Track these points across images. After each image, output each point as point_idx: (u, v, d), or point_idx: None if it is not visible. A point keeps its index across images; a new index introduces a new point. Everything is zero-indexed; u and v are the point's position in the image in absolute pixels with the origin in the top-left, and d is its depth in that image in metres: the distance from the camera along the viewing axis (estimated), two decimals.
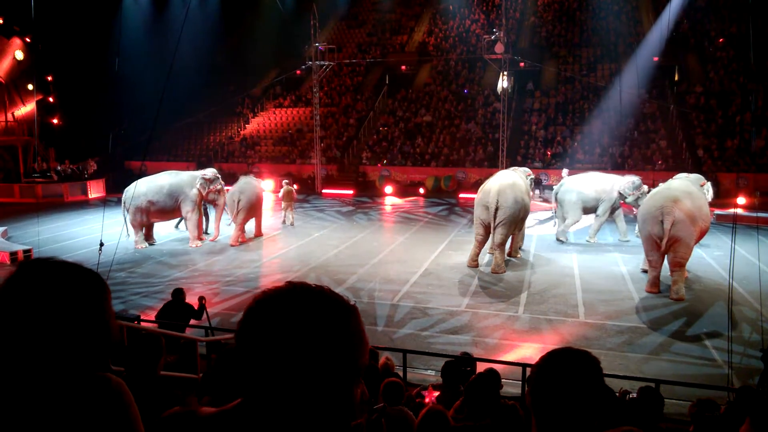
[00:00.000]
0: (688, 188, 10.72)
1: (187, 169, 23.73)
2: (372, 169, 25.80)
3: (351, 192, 23.91)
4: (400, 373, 6.36)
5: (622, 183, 13.82)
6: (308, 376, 0.92)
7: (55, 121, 27.28)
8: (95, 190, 23.93)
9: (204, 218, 15.30)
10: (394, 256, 13.34)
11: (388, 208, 20.81)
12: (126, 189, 14.11)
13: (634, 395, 5.06)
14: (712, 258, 12.80)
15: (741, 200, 18.12)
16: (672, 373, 7.21)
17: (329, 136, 27.72)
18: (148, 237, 14.54)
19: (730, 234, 10.82)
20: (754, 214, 15.18)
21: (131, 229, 13.96)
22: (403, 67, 31.50)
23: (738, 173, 20.60)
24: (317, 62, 24.67)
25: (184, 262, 13.04)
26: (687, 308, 9.73)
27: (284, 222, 16.91)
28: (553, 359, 1.44)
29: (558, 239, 14.57)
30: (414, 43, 32.87)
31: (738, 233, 11.86)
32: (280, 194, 17.13)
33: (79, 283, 1.18)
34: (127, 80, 22.99)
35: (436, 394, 4.78)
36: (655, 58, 27.95)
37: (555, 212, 14.99)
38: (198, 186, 14.39)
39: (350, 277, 11.54)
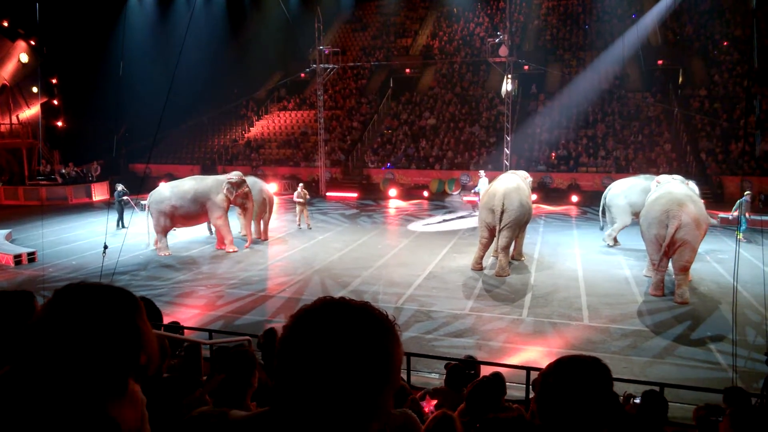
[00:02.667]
0: (689, 191, 10.72)
1: (192, 172, 23.96)
2: (376, 172, 25.85)
3: (355, 195, 23.95)
4: (404, 376, 6.37)
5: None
6: (345, 392, 0.94)
7: (59, 124, 27.43)
8: (99, 193, 23.99)
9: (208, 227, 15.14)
10: (398, 259, 13.36)
11: (392, 211, 20.83)
12: (150, 193, 14.07)
13: (638, 400, 5.06)
14: (716, 261, 12.77)
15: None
16: (676, 377, 7.21)
17: (333, 139, 27.80)
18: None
19: (733, 237, 10.81)
20: (759, 218, 15.14)
21: (153, 234, 13.93)
22: (408, 70, 31.56)
23: (742, 177, 20.53)
24: (322, 65, 24.75)
25: (188, 265, 13.08)
26: (691, 312, 9.71)
27: (300, 225, 16.82)
28: (564, 366, 1.44)
29: (606, 243, 14.35)
30: (418, 46, 32.95)
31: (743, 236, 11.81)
32: (295, 197, 16.88)
33: (111, 305, 1.23)
34: (131, 83, 23.08)
35: (434, 402, 4.79)
36: (660, 62, 27.95)
37: (603, 217, 14.64)
38: (225, 191, 14.01)
39: (354, 280, 11.56)
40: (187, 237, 15.48)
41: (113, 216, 16.90)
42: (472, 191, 19.92)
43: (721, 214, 16.86)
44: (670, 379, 6.85)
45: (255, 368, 2.88)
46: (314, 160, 26.22)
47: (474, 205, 19.58)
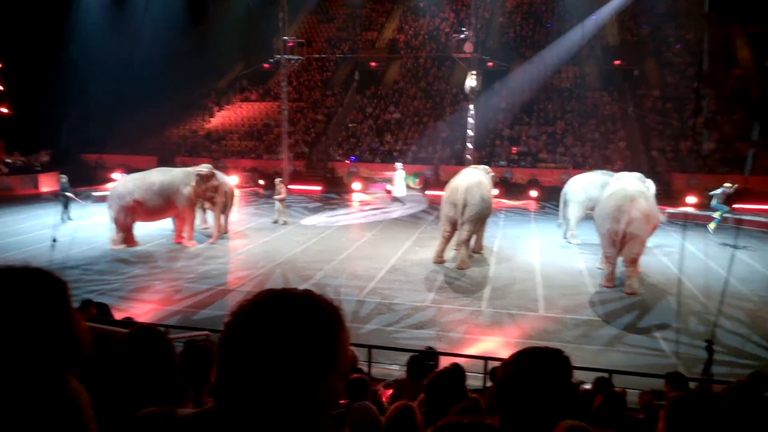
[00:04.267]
0: (642, 188, 11.22)
1: (148, 163, 23.42)
2: (340, 165, 25.88)
3: (319, 188, 23.95)
4: (365, 368, 6.54)
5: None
6: (293, 380, 0.94)
7: (4, 110, 26.21)
8: (47, 184, 22.60)
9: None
10: (360, 252, 13.51)
11: (355, 205, 20.94)
12: (113, 186, 13.53)
13: (589, 387, 5.37)
14: (663, 254, 13.38)
15: (691, 200, 18.89)
16: (624, 364, 7.58)
17: (297, 132, 27.67)
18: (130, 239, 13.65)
19: (680, 232, 11.38)
20: (704, 213, 15.88)
21: (113, 227, 13.40)
22: (373, 64, 31.62)
23: (689, 174, 21.45)
24: (286, 56, 24.54)
25: (144, 258, 12.79)
26: (639, 302, 10.21)
27: (276, 221, 16.53)
28: (526, 357, 1.46)
29: (572, 243, 14.48)
30: (384, 39, 33.03)
31: (688, 231, 12.44)
32: (279, 195, 16.40)
33: (33, 288, 1.10)
34: (82, 69, 22.26)
35: (389, 392, 4.98)
36: (616, 62, 28.80)
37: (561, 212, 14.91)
38: (193, 183, 13.61)
39: (317, 274, 11.66)
40: (144, 230, 14.78)
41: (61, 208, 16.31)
42: (388, 184, 20.32)
43: (669, 210, 17.61)
44: (619, 366, 7.22)
45: (212, 364, 2.83)
46: (277, 153, 26.04)
47: (391, 198, 19.87)
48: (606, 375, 5.88)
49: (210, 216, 15.25)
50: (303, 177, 25.19)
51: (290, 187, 23.86)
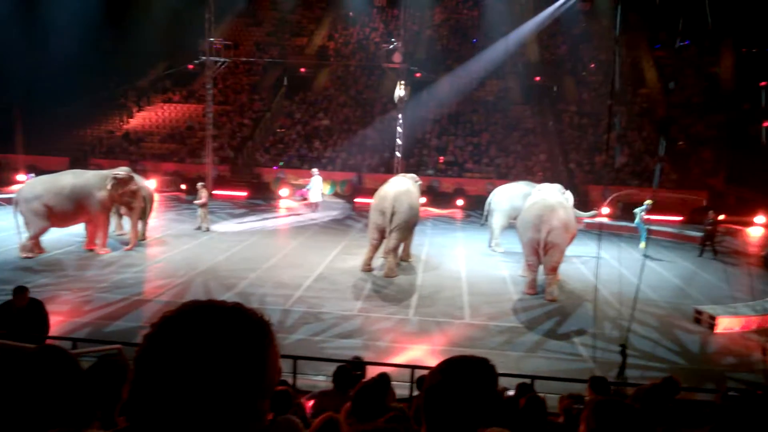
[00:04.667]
0: (561, 199, 11.70)
1: (59, 164, 21.93)
2: (267, 171, 25.36)
3: (244, 194, 23.34)
4: (290, 380, 6.34)
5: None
6: (214, 401, 0.87)
7: None
8: None
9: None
10: (287, 260, 13.23)
11: (282, 211, 20.56)
12: (20, 189, 12.48)
13: (512, 392, 5.45)
14: (581, 263, 14.00)
15: (606, 210, 19.92)
16: (546, 369, 7.83)
17: (222, 136, 26.85)
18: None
19: (596, 241, 11.94)
20: (617, 223, 16.79)
21: (25, 233, 12.27)
22: (303, 70, 31.32)
23: (604, 186, 22.66)
24: (211, 58, 23.79)
25: (51, 267, 11.81)
26: (559, 309, 10.59)
27: (199, 228, 15.81)
28: (454, 366, 1.47)
29: (497, 252, 14.77)
30: (314, 46, 32.81)
31: (603, 240, 13.08)
32: (200, 200, 15.68)
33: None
34: None
35: (311, 403, 4.85)
36: (537, 78, 30.11)
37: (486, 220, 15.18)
38: (109, 187, 12.69)
39: (240, 282, 11.28)
40: (52, 236, 13.43)
41: None
42: (304, 188, 20.34)
43: (586, 219, 18.48)
44: (540, 371, 7.44)
45: (125, 380, 2.66)
46: (201, 157, 25.15)
47: (311, 206, 19.88)
48: (528, 381, 6.01)
49: (126, 222, 14.42)
50: (228, 182, 24.48)
51: (215, 192, 23.12)
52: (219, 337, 0.89)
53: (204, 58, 23.78)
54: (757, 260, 15.35)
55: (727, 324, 9.71)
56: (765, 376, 6.48)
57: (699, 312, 10.20)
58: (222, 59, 24.18)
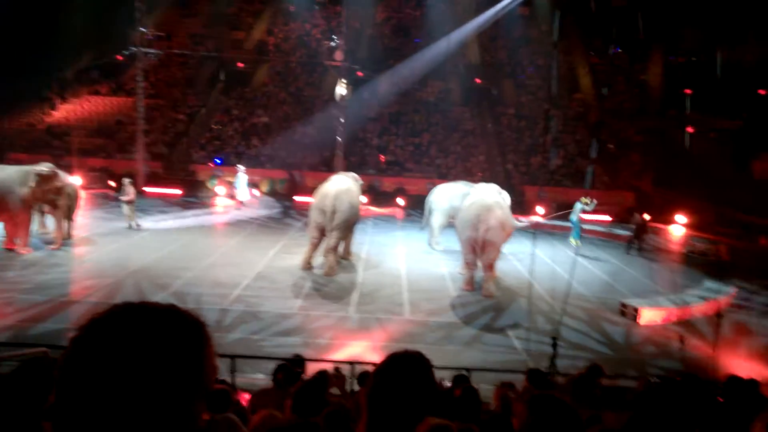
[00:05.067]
0: (498, 198, 12.03)
1: None
2: (203, 169, 24.63)
3: (179, 191, 22.59)
4: (228, 379, 6.22)
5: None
6: (150, 403, 0.83)
7: None
8: None
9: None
10: (225, 259, 12.92)
11: (219, 210, 20.06)
12: None
13: (449, 384, 5.56)
14: (517, 260, 14.44)
15: (541, 210, 20.64)
16: (482, 362, 8.03)
17: (155, 131, 25.86)
18: None
19: (531, 239, 12.35)
20: (551, 223, 17.43)
21: None
22: (240, 64, 30.63)
23: (539, 187, 23.46)
24: (142, 49, 22.86)
25: None
26: (495, 304, 10.88)
27: (131, 226, 15.15)
28: (393, 362, 1.52)
29: (436, 249, 14.98)
30: (253, 40, 32.14)
31: (538, 239, 13.55)
32: (126, 197, 15.01)
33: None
34: None
35: (247, 396, 4.80)
36: (477, 80, 30.77)
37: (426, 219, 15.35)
38: (32, 184, 11.95)
39: (175, 282, 10.91)
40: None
41: None
42: (232, 186, 20.06)
43: (522, 218, 19.07)
44: (477, 364, 7.62)
45: (51, 384, 2.52)
46: (131, 153, 24.14)
47: (239, 205, 19.66)
48: (464, 372, 6.14)
49: (50, 220, 13.65)
50: (161, 179, 23.60)
51: (147, 189, 22.28)
52: (151, 340, 0.86)
53: (134, 49, 22.81)
54: (678, 257, 16.32)
55: (649, 316, 10.29)
56: (683, 364, 6.90)
57: (624, 305, 10.75)
58: (154, 51, 23.31)
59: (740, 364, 8.05)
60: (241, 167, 20.09)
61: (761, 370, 8.17)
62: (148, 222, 16.28)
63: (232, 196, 20.59)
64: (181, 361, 0.86)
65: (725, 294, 11.54)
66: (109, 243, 13.68)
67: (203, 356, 0.90)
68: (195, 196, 22.17)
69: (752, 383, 4.39)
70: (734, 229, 20.25)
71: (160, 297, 9.73)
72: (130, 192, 15.04)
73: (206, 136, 26.48)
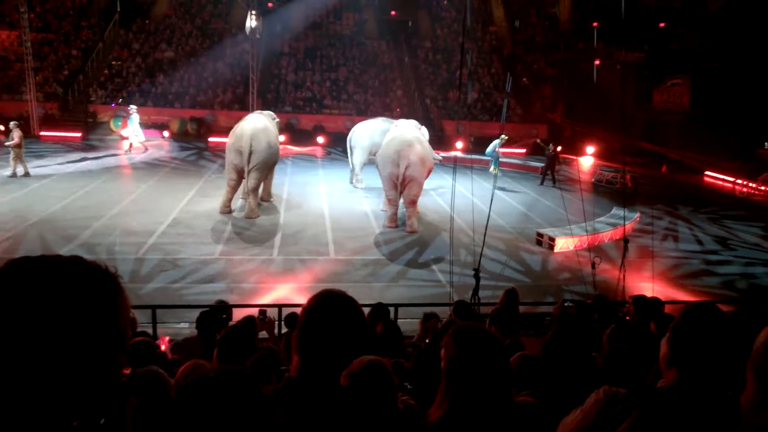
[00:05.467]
0: (418, 134, 12.03)
1: None
2: (104, 109, 22.85)
3: (78, 135, 20.93)
4: (150, 331, 6.00)
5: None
6: (63, 358, 0.79)
7: None
8: None
9: None
10: (136, 206, 12.24)
11: (126, 153, 18.84)
12: None
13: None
14: (438, 195, 14.70)
15: (459, 144, 20.99)
16: (408, 297, 8.24)
17: (46, 68, 23.53)
18: None
19: (451, 173, 12.56)
20: (470, 156, 17.79)
21: None
22: None
23: (457, 121, 23.74)
24: None
25: None
26: (419, 240, 11.09)
27: (15, 174, 13.86)
28: (321, 301, 1.53)
29: (358, 188, 14.90)
30: None
31: (457, 172, 13.79)
32: (12, 141, 13.69)
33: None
34: None
35: (167, 339, 4.70)
36: (393, 12, 30.05)
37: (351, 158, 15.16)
38: None
39: (83, 233, 10.24)
40: None
41: None
42: (125, 128, 18.97)
43: (442, 153, 19.32)
44: (403, 299, 7.80)
45: None
46: (21, 93, 21.94)
47: (130, 146, 18.70)
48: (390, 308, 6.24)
49: None
50: (58, 122, 21.73)
51: (42, 133, 20.51)
52: (55, 294, 0.80)
53: None
54: (588, 186, 17.24)
55: (563, 244, 10.89)
56: (594, 287, 7.39)
57: (540, 235, 11.29)
58: None
59: (644, 285, 8.74)
60: (132, 107, 18.82)
61: (663, 289, 8.93)
62: (48, 169, 15.05)
63: (124, 137, 19.30)
64: (89, 314, 0.82)
65: (630, 220, 12.37)
66: (5, 193, 12.54)
67: (114, 308, 0.86)
68: (97, 139, 20.65)
69: (656, 302, 4.75)
70: (638, 158, 21.62)
71: (67, 249, 9.14)
72: (16, 136, 13.75)
73: (105, 73, 24.42)
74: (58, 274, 0.83)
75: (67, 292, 0.81)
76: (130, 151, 18.40)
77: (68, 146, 19.05)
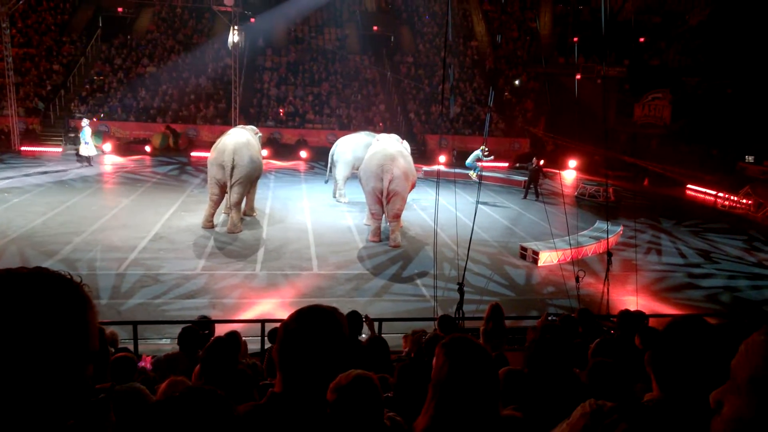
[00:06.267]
0: (401, 148, 12.07)
1: None
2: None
3: (59, 150, 20.67)
4: (131, 347, 5.89)
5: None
6: (24, 371, 0.79)
7: None
8: None
9: None
10: (117, 221, 12.08)
11: (108, 168, 18.63)
12: None
13: (364, 337, 5.59)
14: (421, 209, 14.73)
15: (442, 158, 21.10)
16: (392, 311, 8.20)
17: (27, 84, 23.27)
18: None
19: (434, 187, 12.60)
20: (452, 170, 17.88)
21: None
22: (120, 9, 27.97)
23: (440, 135, 23.90)
24: None
25: None
26: (402, 254, 11.08)
27: None
28: (303, 317, 1.50)
29: (341, 202, 14.88)
30: None
31: (440, 186, 13.85)
32: None
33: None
34: None
35: (150, 358, 4.63)
36: (375, 27, 30.29)
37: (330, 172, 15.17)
38: None
39: (63, 248, 10.08)
40: None
41: None
42: (82, 142, 18.43)
43: (425, 168, 19.42)
44: (387, 314, 7.77)
45: None
46: (2, 108, 21.66)
47: (82, 160, 18.26)
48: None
49: None
50: (38, 137, 21.46)
51: (23, 148, 20.22)
52: (18, 305, 0.81)
53: None
54: (571, 200, 17.41)
55: (547, 258, 10.95)
56: (579, 301, 7.42)
57: (524, 248, 11.35)
58: None
59: (628, 299, 8.81)
60: (85, 120, 18.59)
61: (647, 303, 9.01)
62: (29, 185, 14.83)
63: (76, 150, 18.91)
64: (52, 324, 0.82)
65: (614, 233, 12.50)
66: None
67: (79, 317, 0.86)
68: (77, 154, 20.39)
69: (640, 315, 4.78)
70: (620, 171, 21.92)
71: (47, 265, 8.49)
72: None
73: (86, 88, 24.21)
74: (21, 284, 0.83)
75: (30, 302, 0.81)
76: (84, 163, 18.01)
77: (49, 161, 18.75)
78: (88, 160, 18.21)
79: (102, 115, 22.85)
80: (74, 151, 18.98)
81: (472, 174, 16.50)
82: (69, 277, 0.89)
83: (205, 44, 27.15)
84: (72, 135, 21.98)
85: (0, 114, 21.59)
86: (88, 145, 18.20)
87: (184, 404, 1.15)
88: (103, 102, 23.53)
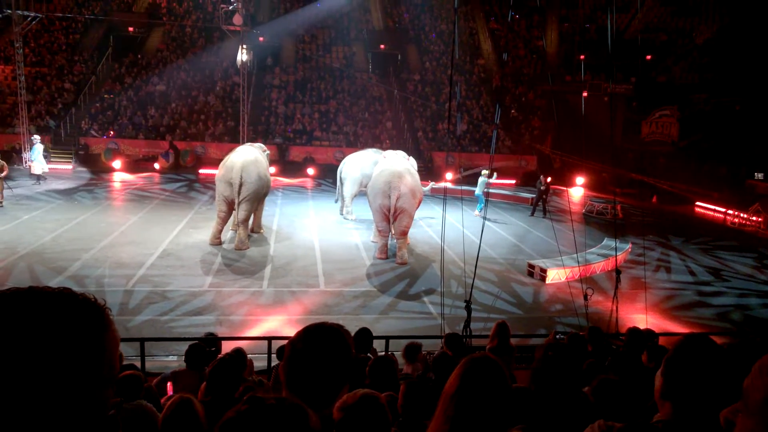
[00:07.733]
0: (408, 165, 12.11)
1: None
2: (96, 142, 22.88)
3: (69, 167, 20.90)
4: (138, 364, 5.89)
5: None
6: (46, 394, 0.78)
7: None
8: None
9: None
10: (126, 237, 12.15)
11: (117, 185, 18.80)
12: None
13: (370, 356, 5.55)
14: (428, 226, 14.72)
15: (449, 176, 21.13)
16: (398, 329, 8.17)
17: (39, 102, 23.63)
18: None
19: (441, 204, 12.61)
20: (459, 188, 17.89)
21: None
22: (131, 29, 28.44)
23: (447, 152, 23.95)
24: (19, 12, 20.62)
25: None
26: (409, 271, 11.06)
27: (0, 203, 13.88)
28: (310, 335, 1.51)
29: (350, 220, 14.89)
30: (143, 3, 29.92)
31: (447, 204, 13.85)
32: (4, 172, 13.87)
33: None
34: None
35: (171, 384, 4.58)
36: (382, 46, 30.59)
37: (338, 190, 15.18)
38: None
39: (72, 264, 10.14)
40: None
41: None
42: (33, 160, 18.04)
43: (432, 184, 19.41)
44: (393, 332, 7.73)
45: None
46: (14, 126, 21.97)
47: (33, 177, 17.95)
48: (382, 341, 6.18)
49: None
50: (50, 154, 21.67)
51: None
52: (41, 327, 0.79)
53: (9, 11, 20.54)
54: (579, 217, 17.35)
55: (555, 275, 10.89)
56: (587, 319, 7.36)
57: (531, 266, 11.29)
58: (32, 14, 21.09)
59: (638, 317, 8.73)
60: (36, 137, 18.47)
61: (657, 321, 8.92)
62: (40, 202, 14.98)
63: (29, 170, 18.58)
64: (76, 347, 0.81)
65: (622, 251, 12.42)
66: None
67: (103, 341, 0.85)
68: (88, 170, 20.62)
69: (649, 334, 4.74)
70: (628, 188, 21.86)
71: (56, 281, 9.04)
72: (3, 166, 13.94)
73: (97, 106, 24.52)
74: (47, 306, 0.81)
75: (55, 325, 0.80)
76: (38, 181, 17.75)
77: (59, 178, 18.93)
78: (37, 178, 17.80)
79: (112, 133, 23.11)
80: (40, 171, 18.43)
81: (477, 212, 16.45)
82: (93, 300, 0.88)
83: (214, 63, 27.49)
84: (82, 152, 22.22)
85: (11, 132, 21.90)
86: (34, 162, 17.88)
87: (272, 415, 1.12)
88: (113, 120, 23.81)
